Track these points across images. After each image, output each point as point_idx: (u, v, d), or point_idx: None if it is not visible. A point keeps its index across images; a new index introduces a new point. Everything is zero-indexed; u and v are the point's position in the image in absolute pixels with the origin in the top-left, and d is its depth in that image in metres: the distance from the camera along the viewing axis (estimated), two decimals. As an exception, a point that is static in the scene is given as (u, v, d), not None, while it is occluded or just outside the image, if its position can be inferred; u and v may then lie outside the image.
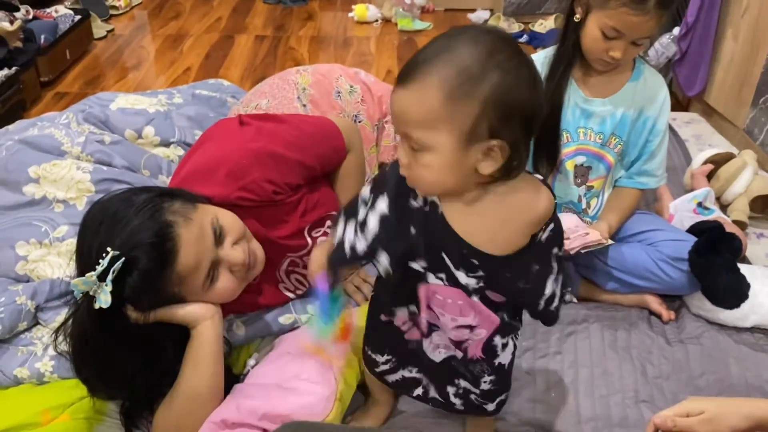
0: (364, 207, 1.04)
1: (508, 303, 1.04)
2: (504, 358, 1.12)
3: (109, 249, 1.07)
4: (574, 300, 1.65)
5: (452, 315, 1.04)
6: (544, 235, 0.95)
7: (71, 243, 1.44)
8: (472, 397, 1.16)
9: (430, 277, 1.01)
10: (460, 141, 0.83)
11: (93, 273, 1.06)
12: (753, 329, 1.53)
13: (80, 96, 2.80)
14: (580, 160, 1.58)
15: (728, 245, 1.49)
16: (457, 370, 1.13)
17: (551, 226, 0.96)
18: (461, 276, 0.98)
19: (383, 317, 1.14)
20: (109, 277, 1.05)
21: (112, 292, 1.06)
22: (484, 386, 1.13)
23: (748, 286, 1.51)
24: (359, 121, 1.73)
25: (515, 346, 1.13)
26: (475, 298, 1.01)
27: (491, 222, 0.93)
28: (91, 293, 1.08)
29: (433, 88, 0.81)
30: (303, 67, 1.78)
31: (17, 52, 2.67)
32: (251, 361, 1.39)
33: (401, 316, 1.11)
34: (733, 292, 1.49)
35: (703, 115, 2.61)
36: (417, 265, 1.01)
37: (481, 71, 0.81)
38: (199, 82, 2.26)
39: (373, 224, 1.00)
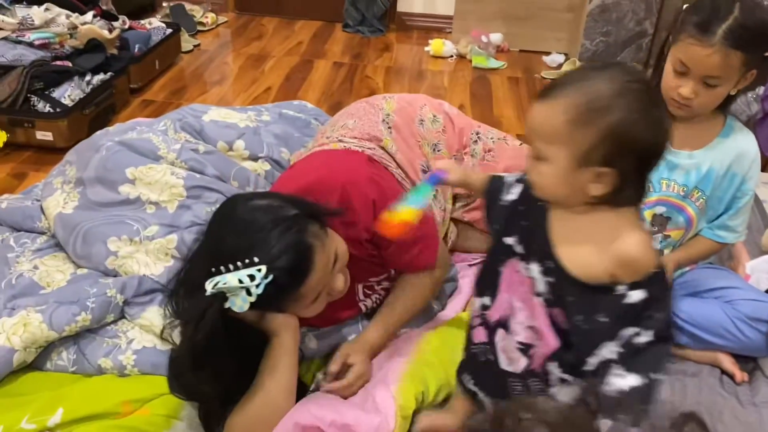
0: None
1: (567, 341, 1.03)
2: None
3: (256, 259, 1.11)
4: (643, 351, 1.62)
5: (525, 308, 1.07)
6: (627, 298, 0.95)
7: (159, 243, 1.51)
8: None
9: (517, 251, 1.08)
10: (573, 160, 0.93)
11: (241, 283, 1.10)
12: (830, 400, 1.49)
13: (165, 104, 2.93)
14: (660, 210, 1.58)
15: (815, 310, 1.46)
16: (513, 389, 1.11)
17: (641, 295, 0.95)
18: (534, 268, 1.04)
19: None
20: (255, 290, 1.10)
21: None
22: None
23: (828, 355, 1.47)
24: (438, 150, 1.76)
25: None
26: (538, 303, 1.04)
27: (581, 238, 0.99)
28: (228, 294, 1.12)
29: (560, 110, 0.93)
30: (390, 95, 1.83)
31: (113, 58, 2.82)
32: (320, 375, 1.43)
33: (474, 309, 1.15)
34: (815, 360, 1.46)
35: (783, 177, 2.56)
36: (510, 240, 1.09)
37: (607, 105, 0.89)
38: (283, 102, 2.34)
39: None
